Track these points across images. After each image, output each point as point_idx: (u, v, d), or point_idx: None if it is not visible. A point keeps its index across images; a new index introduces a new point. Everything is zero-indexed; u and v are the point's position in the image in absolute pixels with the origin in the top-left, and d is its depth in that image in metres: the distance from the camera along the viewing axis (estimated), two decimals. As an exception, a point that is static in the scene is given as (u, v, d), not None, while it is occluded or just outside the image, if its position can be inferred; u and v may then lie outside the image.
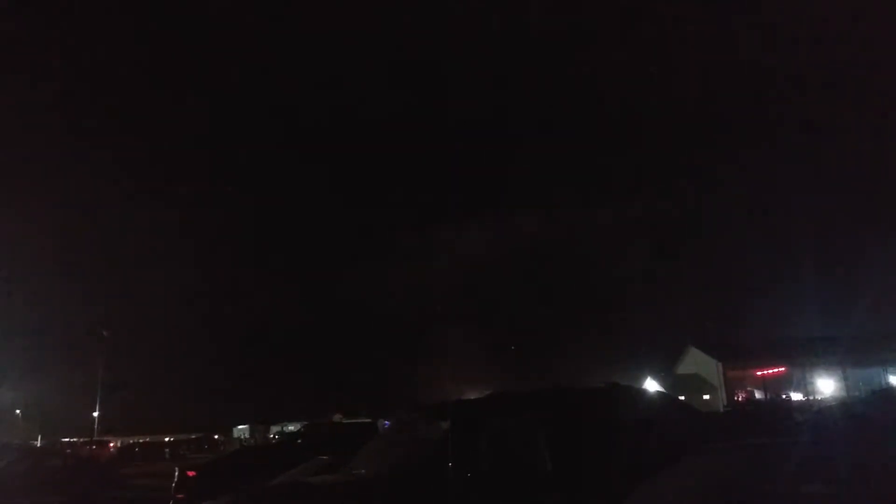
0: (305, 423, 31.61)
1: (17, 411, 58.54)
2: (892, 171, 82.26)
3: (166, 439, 58.65)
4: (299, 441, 15.34)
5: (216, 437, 56.91)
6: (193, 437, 54.06)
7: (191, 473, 12.84)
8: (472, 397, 7.44)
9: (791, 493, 3.46)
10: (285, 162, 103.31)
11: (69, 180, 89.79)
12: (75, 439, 48.14)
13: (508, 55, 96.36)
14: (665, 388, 44.99)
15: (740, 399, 47.56)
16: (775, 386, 47.21)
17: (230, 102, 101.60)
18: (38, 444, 43.47)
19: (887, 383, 42.63)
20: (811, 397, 42.87)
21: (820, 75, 79.64)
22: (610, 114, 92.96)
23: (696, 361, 54.02)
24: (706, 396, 48.33)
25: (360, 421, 26.34)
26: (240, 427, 65.99)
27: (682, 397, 30.55)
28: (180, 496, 11.74)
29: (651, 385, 47.48)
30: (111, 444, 46.36)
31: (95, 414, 46.16)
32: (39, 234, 68.75)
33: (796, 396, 45.15)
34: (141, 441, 55.33)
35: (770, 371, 47.34)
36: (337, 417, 46.67)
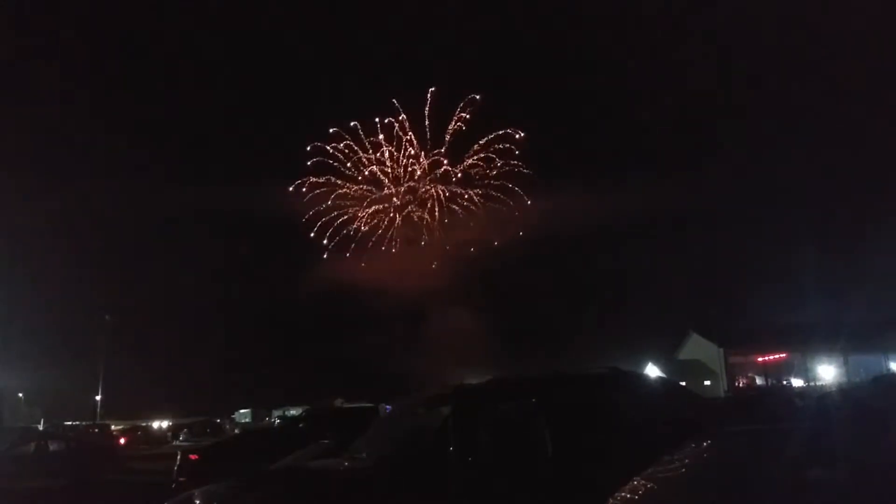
0: (307, 407, 31.80)
1: (20, 394, 58.85)
2: (893, 156, 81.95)
3: (169, 423, 59.02)
4: (301, 425, 15.38)
5: (218, 420, 57.22)
6: (196, 420, 54.29)
7: (193, 457, 12.90)
8: (473, 382, 7.40)
9: (794, 479, 3.44)
10: (290, 145, 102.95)
11: (72, 166, 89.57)
12: (78, 423, 48.33)
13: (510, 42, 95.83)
14: (666, 374, 45.14)
15: (741, 385, 47.76)
16: (776, 372, 47.36)
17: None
18: (41, 428, 43.66)
19: (888, 370, 42.67)
20: (812, 383, 42.98)
21: (823, 65, 79.09)
22: (610, 97, 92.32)
23: (697, 347, 54.07)
24: (707, 382, 48.47)
25: (361, 406, 26.39)
26: (242, 411, 66.36)
27: (683, 383, 30.62)
28: (183, 479, 11.75)
29: (652, 370, 47.60)
30: (114, 428, 46.58)
31: (98, 398, 46.41)
32: (43, 219, 68.76)
33: (797, 383, 45.30)
34: (144, 425, 55.59)
35: (771, 357, 47.42)
36: (338, 402, 46.98)
